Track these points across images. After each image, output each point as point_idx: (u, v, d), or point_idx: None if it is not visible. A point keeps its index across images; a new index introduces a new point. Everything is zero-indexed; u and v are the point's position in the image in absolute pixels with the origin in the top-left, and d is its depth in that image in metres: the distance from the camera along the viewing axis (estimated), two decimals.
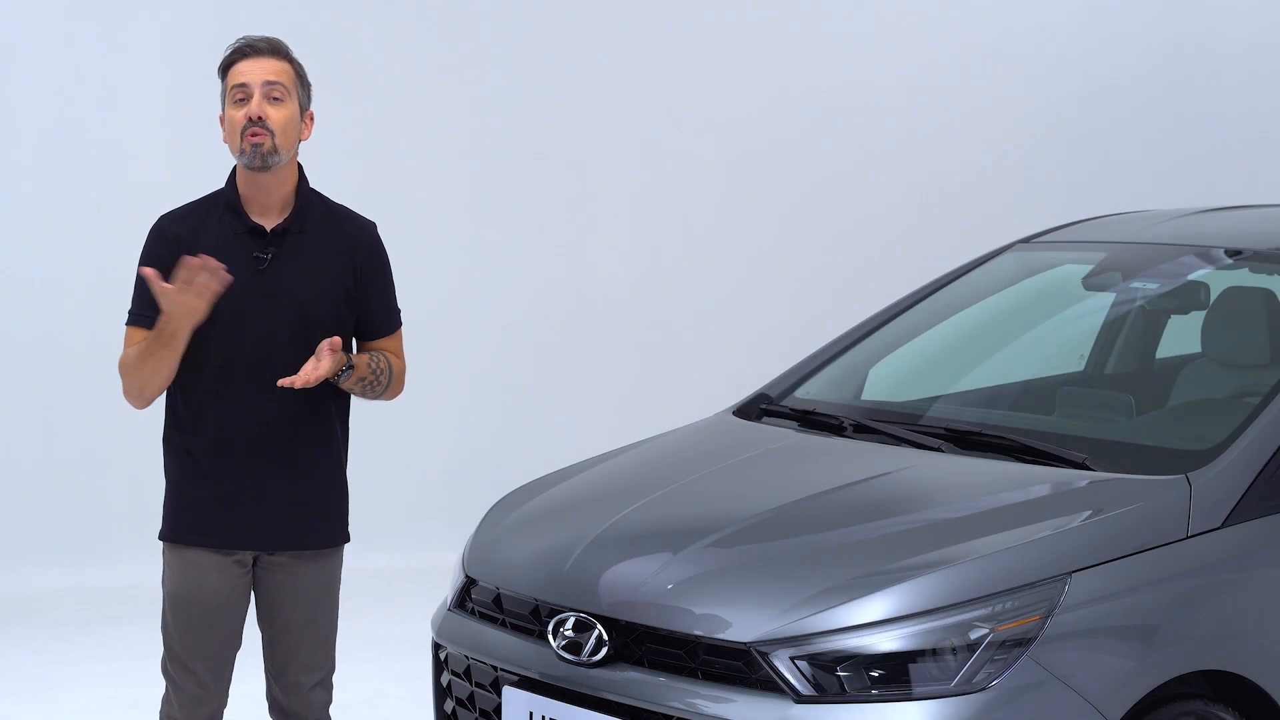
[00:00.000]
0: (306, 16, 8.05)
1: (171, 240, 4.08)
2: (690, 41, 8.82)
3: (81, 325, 7.42)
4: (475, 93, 8.46)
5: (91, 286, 7.47)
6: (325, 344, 3.95)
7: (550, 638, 3.96)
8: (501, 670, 4.07)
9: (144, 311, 4.07)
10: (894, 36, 9.20)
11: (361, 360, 4.10)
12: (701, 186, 8.93)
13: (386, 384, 4.18)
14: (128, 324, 4.12)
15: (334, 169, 7.93)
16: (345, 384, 4.09)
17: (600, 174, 8.72)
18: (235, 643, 4.20)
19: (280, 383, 3.95)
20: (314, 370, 3.93)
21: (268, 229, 4.08)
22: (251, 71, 4.03)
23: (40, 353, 7.75)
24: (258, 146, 4.00)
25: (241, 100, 4.03)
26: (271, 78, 4.03)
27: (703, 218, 8.94)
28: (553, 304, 8.65)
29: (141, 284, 4.10)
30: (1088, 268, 5.25)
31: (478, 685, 4.16)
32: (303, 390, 4.03)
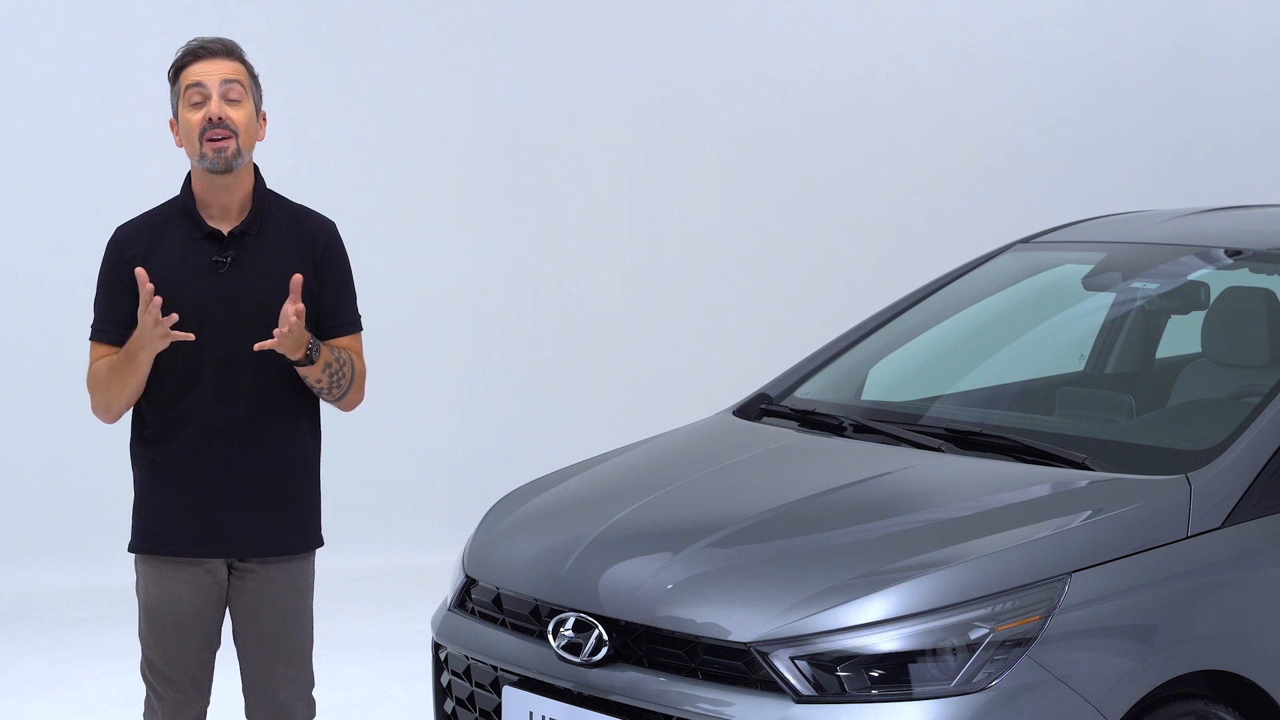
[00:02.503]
0: (305, 17, 8.05)
1: (130, 254, 4.05)
2: (688, 42, 8.82)
3: (81, 326, 7.35)
4: (476, 94, 8.45)
5: (91, 288, 7.43)
6: (289, 309, 3.88)
7: (550, 638, 3.96)
8: (501, 670, 4.07)
9: (105, 327, 4.07)
10: (893, 36, 9.20)
11: (325, 347, 4.04)
12: (701, 187, 8.93)
13: (349, 382, 4.10)
14: (91, 339, 4.10)
15: (332, 170, 7.96)
16: (310, 370, 4.01)
17: (599, 174, 8.71)
18: (213, 647, 4.16)
19: (256, 346, 3.89)
20: (286, 328, 3.87)
21: (225, 232, 4.05)
22: (207, 72, 3.99)
23: (40, 353, 7.76)
24: (221, 151, 3.96)
25: (198, 102, 3.98)
26: (229, 76, 4.00)
27: (702, 218, 8.94)
28: (552, 304, 8.65)
29: (101, 297, 4.09)
30: (1088, 268, 5.25)
31: (478, 685, 4.16)
32: (270, 395, 4.01)
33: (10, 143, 7.73)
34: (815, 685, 3.62)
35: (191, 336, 3.91)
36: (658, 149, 8.80)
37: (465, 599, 4.32)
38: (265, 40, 7.16)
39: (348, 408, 4.19)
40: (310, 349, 3.97)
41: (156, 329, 3.88)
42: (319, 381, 4.05)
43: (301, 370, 4.02)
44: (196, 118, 3.98)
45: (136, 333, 3.92)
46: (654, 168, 8.81)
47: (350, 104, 8.16)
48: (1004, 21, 9.41)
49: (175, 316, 3.87)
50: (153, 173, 7.71)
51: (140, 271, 3.89)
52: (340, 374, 4.08)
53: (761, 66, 8.93)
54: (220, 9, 7.79)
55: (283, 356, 3.99)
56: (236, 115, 3.98)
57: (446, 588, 4.50)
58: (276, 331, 3.89)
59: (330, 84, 7.98)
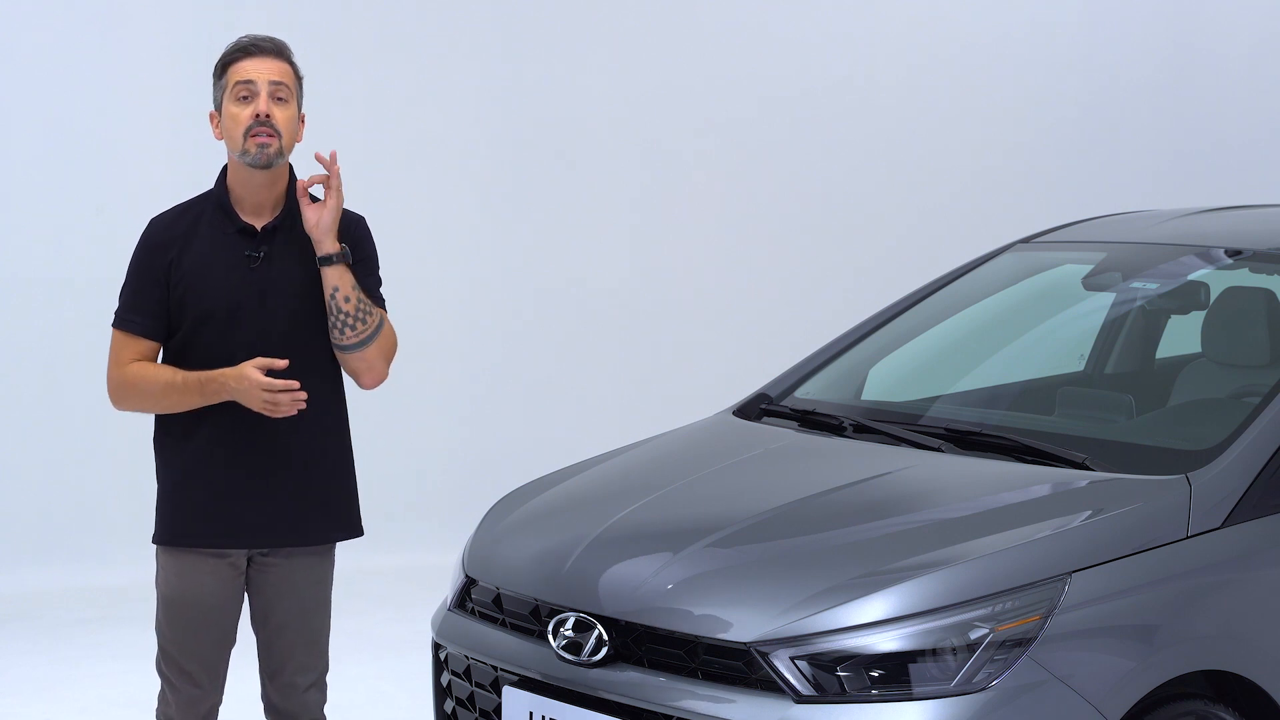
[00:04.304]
0: (306, 16, 8.05)
1: (162, 246, 4.08)
2: (689, 42, 8.83)
3: (81, 326, 7.42)
4: (477, 95, 8.46)
5: (91, 287, 7.47)
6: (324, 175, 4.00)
7: (550, 638, 3.96)
8: (501, 670, 4.07)
9: (132, 316, 4.08)
10: (894, 36, 9.20)
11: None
12: (701, 187, 8.93)
13: (373, 330, 4.07)
14: (115, 326, 4.11)
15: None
16: (342, 279, 4.01)
17: (600, 174, 8.72)
18: (229, 641, 4.20)
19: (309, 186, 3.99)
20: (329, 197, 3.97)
21: (258, 228, 4.08)
22: (258, 70, 4.02)
23: (40, 353, 7.76)
24: (264, 147, 4.00)
25: (246, 98, 4.01)
26: (277, 77, 4.03)
27: (702, 218, 8.94)
28: (553, 304, 8.66)
29: (131, 286, 4.11)
30: (1088, 268, 5.25)
31: (478, 685, 4.16)
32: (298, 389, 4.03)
33: (10, 143, 7.73)
34: (815, 685, 3.62)
35: (297, 385, 3.95)
36: (657, 149, 8.80)
37: (465, 599, 4.32)
38: None
39: (371, 379, 4.15)
40: (345, 249, 4.00)
41: (261, 396, 3.92)
42: (347, 300, 4.03)
43: (332, 275, 4.01)
44: (245, 113, 4.01)
45: (233, 383, 3.94)
46: (654, 168, 8.81)
47: (351, 105, 8.16)
48: (1004, 21, 9.42)
49: (281, 384, 3.93)
50: (153, 173, 7.73)
51: (265, 362, 3.95)
52: (365, 312, 4.05)
53: (761, 66, 8.93)
54: (221, 9, 7.80)
55: (311, 351, 4.03)
56: (282, 115, 4.02)
57: (446, 588, 4.50)
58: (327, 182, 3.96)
59: (331, 85, 7.98)
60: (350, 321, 4.05)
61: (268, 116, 3.99)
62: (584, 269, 8.70)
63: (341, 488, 4.23)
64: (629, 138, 8.73)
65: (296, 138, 4.10)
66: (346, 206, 4.25)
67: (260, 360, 3.95)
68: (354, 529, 4.26)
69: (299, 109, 4.10)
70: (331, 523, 4.22)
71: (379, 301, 4.21)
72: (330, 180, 4.02)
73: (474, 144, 8.47)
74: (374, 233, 4.24)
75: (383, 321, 4.13)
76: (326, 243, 4.01)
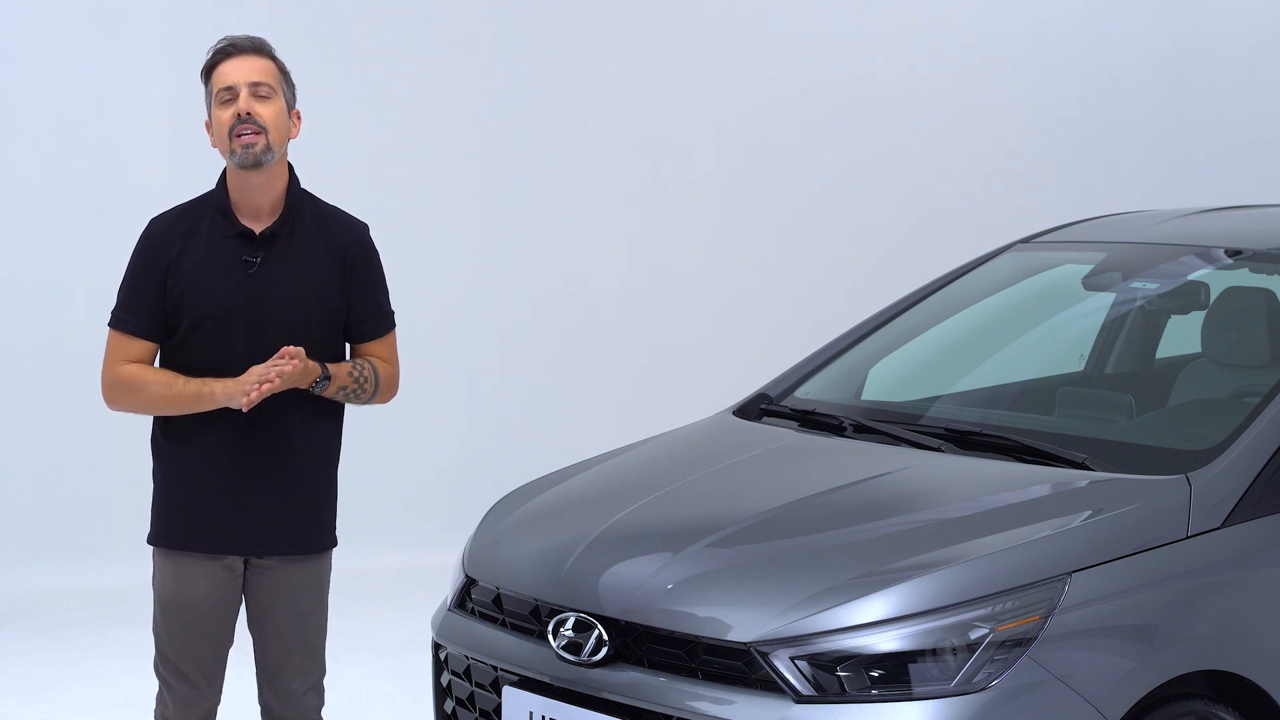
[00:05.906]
0: (307, 17, 8.05)
1: (161, 246, 4.07)
2: (689, 43, 8.83)
3: (81, 326, 7.41)
4: (477, 95, 8.46)
5: (91, 288, 7.47)
6: (284, 350, 3.94)
7: (550, 638, 3.96)
8: (501, 670, 4.07)
9: (128, 317, 4.07)
10: (894, 37, 9.20)
11: (341, 370, 4.08)
12: (701, 187, 8.93)
13: (372, 392, 4.15)
14: (111, 326, 4.11)
15: (334, 171, 7.95)
16: (324, 393, 4.07)
17: (601, 175, 8.72)
18: (226, 642, 4.19)
19: (242, 404, 3.92)
20: (267, 379, 3.91)
21: (256, 232, 4.07)
22: (237, 71, 4.01)
23: (40, 353, 7.76)
24: (250, 147, 3.98)
25: (227, 101, 4.00)
26: (257, 77, 4.01)
27: (702, 218, 8.94)
28: (553, 304, 8.66)
29: (128, 286, 4.10)
30: (1088, 268, 5.25)
31: (478, 685, 4.16)
32: (293, 394, 4.02)
33: (10, 142, 7.73)
34: (815, 685, 3.62)
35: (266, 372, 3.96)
36: (657, 149, 8.80)
37: (465, 599, 4.32)
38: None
39: (381, 403, 4.24)
40: (317, 383, 4.01)
41: (243, 400, 3.94)
42: (343, 389, 4.11)
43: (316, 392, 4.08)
44: (226, 115, 4.00)
45: (222, 391, 3.96)
46: (654, 168, 8.81)
47: (351, 105, 8.17)
48: (1004, 21, 9.41)
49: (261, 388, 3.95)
50: (153, 173, 7.73)
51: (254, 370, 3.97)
52: (360, 389, 4.12)
53: (762, 66, 8.93)
54: (220, 9, 7.80)
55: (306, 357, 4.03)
56: (265, 112, 4.00)
57: (446, 588, 4.50)
58: (276, 372, 3.91)
59: (332, 85, 7.99)
60: (354, 394, 4.13)
61: (249, 114, 3.97)
62: (584, 269, 8.70)
63: (331, 496, 4.24)
64: (629, 138, 8.73)
65: (290, 134, 4.08)
66: (349, 210, 4.25)
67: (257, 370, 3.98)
68: (334, 538, 4.27)
69: (289, 104, 4.08)
70: (326, 529, 4.23)
71: (388, 321, 4.22)
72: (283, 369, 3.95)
73: (474, 144, 8.47)
74: (374, 234, 4.23)
75: (379, 377, 4.15)
76: (301, 385, 4.02)
